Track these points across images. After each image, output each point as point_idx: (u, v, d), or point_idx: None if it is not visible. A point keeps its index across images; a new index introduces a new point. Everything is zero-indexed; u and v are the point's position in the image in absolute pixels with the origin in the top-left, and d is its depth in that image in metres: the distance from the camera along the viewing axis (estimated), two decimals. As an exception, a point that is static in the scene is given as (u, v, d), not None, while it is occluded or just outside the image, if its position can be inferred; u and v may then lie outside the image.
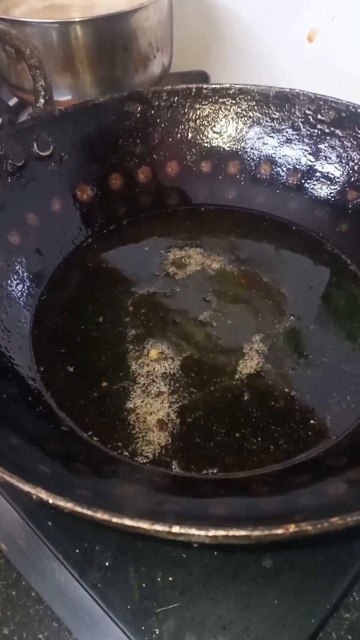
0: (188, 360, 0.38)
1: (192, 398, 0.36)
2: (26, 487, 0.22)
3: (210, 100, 0.50)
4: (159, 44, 0.58)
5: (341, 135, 0.47)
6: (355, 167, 0.47)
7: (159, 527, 0.20)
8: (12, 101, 0.67)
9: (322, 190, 0.49)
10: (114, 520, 0.21)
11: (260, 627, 0.28)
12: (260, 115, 0.50)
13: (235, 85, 0.49)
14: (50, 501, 0.22)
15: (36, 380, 0.37)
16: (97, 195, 0.49)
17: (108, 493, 0.29)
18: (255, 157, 0.51)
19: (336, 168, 0.48)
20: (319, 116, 0.47)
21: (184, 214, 0.52)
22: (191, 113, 0.51)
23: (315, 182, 0.49)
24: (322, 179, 0.49)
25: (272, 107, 0.49)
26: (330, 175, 0.48)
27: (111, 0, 0.58)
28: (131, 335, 0.40)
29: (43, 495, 0.22)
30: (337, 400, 0.36)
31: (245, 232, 0.50)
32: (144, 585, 0.29)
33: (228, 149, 0.51)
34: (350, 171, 0.47)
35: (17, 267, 0.42)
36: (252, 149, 0.51)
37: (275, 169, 0.51)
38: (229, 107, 0.50)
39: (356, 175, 0.47)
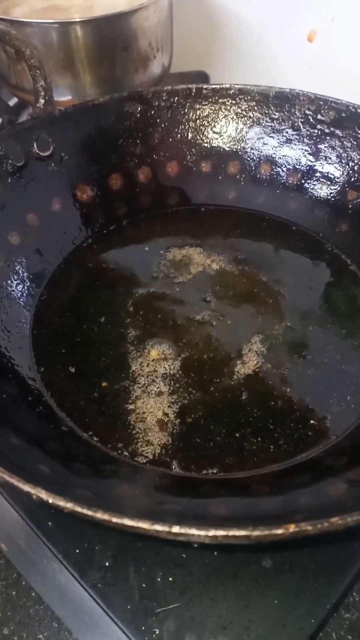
0: (188, 360, 0.38)
1: (192, 398, 0.36)
2: (26, 487, 0.22)
3: (210, 100, 0.50)
4: (159, 44, 0.58)
5: (341, 135, 0.47)
6: (355, 167, 0.47)
7: (159, 527, 0.20)
8: (12, 101, 0.67)
9: (322, 191, 0.49)
10: (114, 520, 0.21)
11: (260, 627, 0.28)
12: (260, 116, 0.50)
13: (235, 86, 0.49)
14: (50, 501, 0.22)
15: (36, 380, 0.37)
16: (97, 196, 0.49)
17: (108, 493, 0.29)
18: (255, 157, 0.51)
19: (336, 168, 0.48)
20: (319, 116, 0.47)
21: (184, 214, 0.52)
22: (191, 113, 0.51)
23: (315, 182, 0.49)
24: (322, 179, 0.49)
25: (272, 108, 0.49)
26: (330, 175, 0.48)
27: (111, 1, 0.58)
28: (131, 335, 0.40)
29: (43, 495, 0.22)
30: (337, 400, 0.36)
31: (245, 232, 0.50)
32: (144, 585, 0.29)
33: (228, 149, 0.51)
34: (350, 171, 0.47)
35: (17, 267, 0.42)
36: (252, 149, 0.51)
37: (275, 169, 0.51)
38: (229, 108, 0.50)
39: (356, 175, 0.47)
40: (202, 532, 0.20)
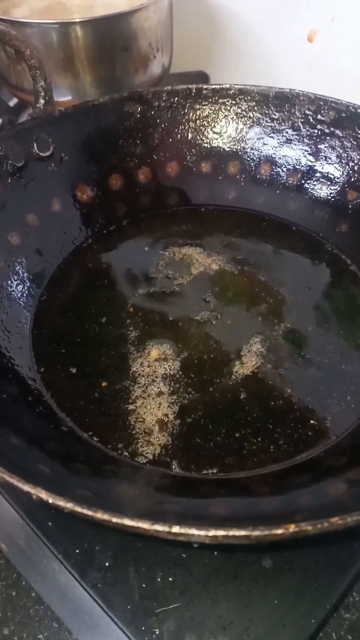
0: (188, 360, 0.38)
1: (192, 398, 0.36)
2: (26, 487, 0.22)
3: (210, 100, 0.50)
4: (159, 45, 0.58)
5: (341, 135, 0.47)
6: (355, 168, 0.47)
7: (159, 527, 0.20)
8: (12, 102, 0.67)
9: (322, 191, 0.49)
10: (114, 520, 0.21)
11: (260, 627, 0.28)
12: (260, 116, 0.50)
13: (235, 86, 0.50)
14: (50, 501, 0.22)
15: (36, 380, 0.37)
16: (97, 196, 0.49)
17: (108, 493, 0.29)
18: (255, 158, 0.51)
19: (336, 168, 0.48)
20: (318, 116, 0.47)
21: (184, 214, 0.52)
22: (191, 113, 0.51)
23: (315, 183, 0.49)
24: (322, 179, 0.49)
25: (272, 108, 0.49)
26: (330, 175, 0.48)
27: (111, 1, 0.58)
28: (131, 335, 0.40)
29: (43, 495, 0.22)
30: (337, 400, 0.36)
31: (245, 233, 0.50)
32: (144, 585, 0.29)
33: (228, 149, 0.51)
34: (350, 171, 0.47)
35: (17, 268, 0.42)
36: (252, 149, 0.51)
37: (275, 170, 0.51)
38: (229, 108, 0.50)
39: (356, 175, 0.47)
40: (202, 532, 0.20)
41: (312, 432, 0.34)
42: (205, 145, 0.51)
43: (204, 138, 0.51)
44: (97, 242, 0.48)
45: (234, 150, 0.51)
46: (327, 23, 0.60)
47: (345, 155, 0.47)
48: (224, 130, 0.51)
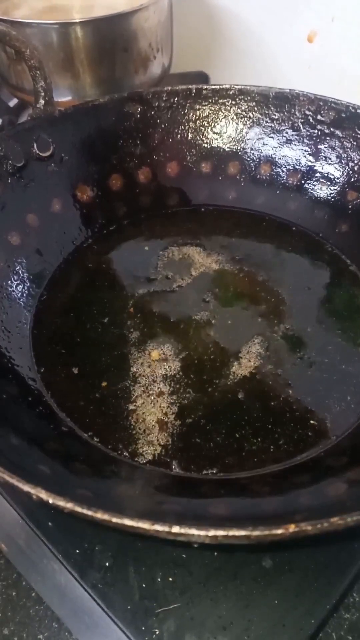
0: (188, 360, 0.39)
1: (192, 398, 0.36)
2: (26, 487, 0.22)
3: (210, 101, 0.50)
4: (159, 45, 0.58)
5: (341, 135, 0.47)
6: (355, 168, 0.47)
7: (159, 527, 0.20)
8: (12, 102, 0.67)
9: (322, 191, 0.49)
10: (114, 520, 0.21)
11: (260, 627, 0.28)
12: (260, 116, 0.50)
13: (235, 86, 0.50)
14: (50, 501, 0.22)
15: (36, 380, 0.37)
16: (97, 196, 0.49)
17: (108, 493, 0.29)
18: (255, 158, 0.51)
19: (336, 169, 0.48)
20: (318, 117, 0.48)
21: (184, 214, 0.52)
22: (191, 114, 0.51)
23: (315, 183, 0.49)
24: (322, 180, 0.49)
25: (272, 108, 0.49)
26: (330, 175, 0.48)
27: (111, 1, 0.58)
28: (131, 335, 0.40)
29: (43, 495, 0.22)
30: (337, 400, 0.36)
31: (245, 233, 0.50)
32: (144, 585, 0.29)
33: (228, 149, 0.51)
34: (350, 172, 0.47)
35: (17, 268, 0.42)
36: (252, 149, 0.51)
37: (275, 170, 0.51)
38: (228, 108, 0.50)
39: (356, 175, 0.47)
40: (202, 532, 0.20)
41: (312, 432, 0.34)
42: (205, 145, 0.51)
43: (204, 138, 0.51)
44: (97, 242, 0.48)
45: (234, 150, 0.51)
46: (327, 23, 0.60)
47: (345, 155, 0.47)
48: (224, 131, 0.51)
